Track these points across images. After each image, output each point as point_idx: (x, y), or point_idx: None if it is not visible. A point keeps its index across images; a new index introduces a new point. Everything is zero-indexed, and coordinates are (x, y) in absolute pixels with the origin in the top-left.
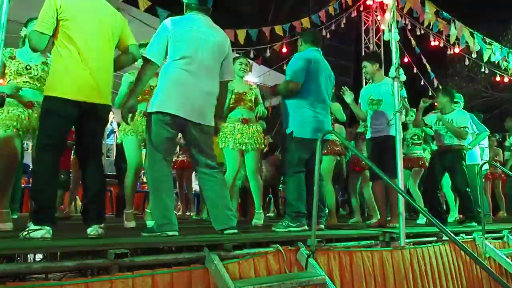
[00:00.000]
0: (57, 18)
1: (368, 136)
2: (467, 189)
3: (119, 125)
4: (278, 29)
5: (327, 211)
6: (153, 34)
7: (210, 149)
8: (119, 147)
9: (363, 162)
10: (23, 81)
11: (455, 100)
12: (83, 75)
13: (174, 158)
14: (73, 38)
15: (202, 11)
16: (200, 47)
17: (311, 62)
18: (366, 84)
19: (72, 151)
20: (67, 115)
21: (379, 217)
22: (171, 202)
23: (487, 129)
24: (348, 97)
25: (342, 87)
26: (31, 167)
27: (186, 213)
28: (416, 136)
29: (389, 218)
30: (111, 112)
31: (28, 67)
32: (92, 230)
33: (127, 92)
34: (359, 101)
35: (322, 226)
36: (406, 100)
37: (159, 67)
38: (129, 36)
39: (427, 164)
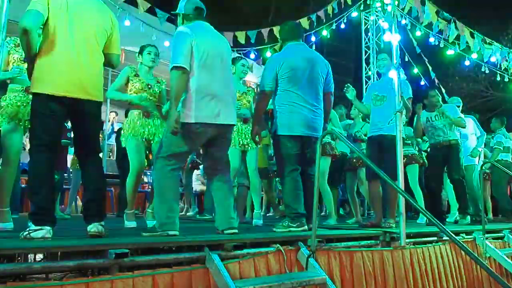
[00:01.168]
0: (48, 8)
1: (369, 134)
2: (461, 178)
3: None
4: (277, 30)
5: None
6: (152, 34)
7: (228, 151)
8: (120, 147)
9: (355, 161)
10: (27, 69)
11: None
12: (70, 72)
13: None
14: (61, 34)
15: (202, 19)
16: (217, 54)
17: (280, 61)
18: (366, 84)
19: (69, 151)
20: (54, 112)
21: (336, 218)
22: (176, 203)
23: (484, 132)
24: (351, 93)
25: (346, 85)
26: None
27: (188, 213)
28: (406, 136)
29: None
30: (113, 112)
31: None
32: (92, 227)
33: (121, 84)
34: (363, 98)
35: (308, 227)
36: (410, 101)
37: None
38: (115, 44)
39: (420, 160)
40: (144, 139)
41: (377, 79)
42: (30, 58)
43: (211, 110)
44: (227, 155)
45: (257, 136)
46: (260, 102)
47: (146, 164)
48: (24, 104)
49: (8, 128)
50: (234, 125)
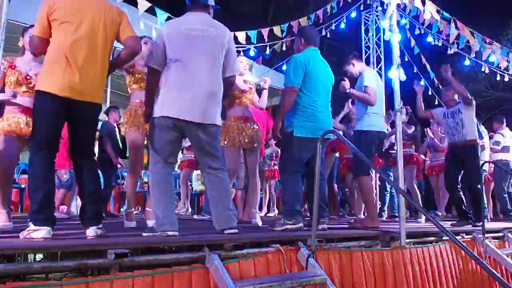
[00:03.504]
0: (48, 18)
1: None
2: (478, 186)
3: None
4: (277, 30)
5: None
6: (150, 34)
7: (215, 150)
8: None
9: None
10: (23, 91)
11: None
12: (72, 73)
13: (183, 158)
14: (64, 37)
15: (198, 9)
16: (195, 46)
17: (308, 63)
18: None
19: None
20: (56, 111)
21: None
22: (171, 202)
23: (482, 133)
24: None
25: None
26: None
27: (187, 213)
28: (406, 137)
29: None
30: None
31: (28, 77)
32: (91, 232)
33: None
34: None
35: (325, 226)
36: (367, 90)
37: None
38: (126, 29)
39: (419, 160)
40: (143, 133)
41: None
42: None
43: (180, 104)
44: (215, 152)
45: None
46: (289, 98)
47: (145, 163)
48: (21, 123)
49: (8, 140)
50: (204, 124)
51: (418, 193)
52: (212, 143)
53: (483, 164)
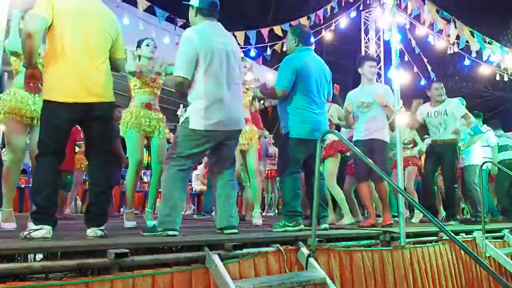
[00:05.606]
0: (52, 15)
1: (355, 138)
2: (455, 186)
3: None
4: (277, 29)
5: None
6: (150, 33)
7: (233, 153)
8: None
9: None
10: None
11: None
12: (79, 77)
13: None
14: (68, 40)
15: (213, 17)
16: (224, 58)
17: (300, 65)
18: None
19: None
20: (63, 118)
21: (351, 217)
22: (181, 203)
23: (482, 131)
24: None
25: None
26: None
27: (186, 212)
28: (406, 140)
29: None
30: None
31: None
32: (91, 232)
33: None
34: (345, 105)
35: (327, 226)
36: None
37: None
38: (120, 48)
39: (419, 162)
40: (143, 133)
41: (376, 79)
42: (31, 65)
43: (220, 117)
44: (233, 155)
45: None
46: (273, 95)
47: (145, 163)
48: (27, 101)
49: (13, 128)
50: (234, 130)
51: (415, 193)
52: (237, 144)
53: (483, 164)
